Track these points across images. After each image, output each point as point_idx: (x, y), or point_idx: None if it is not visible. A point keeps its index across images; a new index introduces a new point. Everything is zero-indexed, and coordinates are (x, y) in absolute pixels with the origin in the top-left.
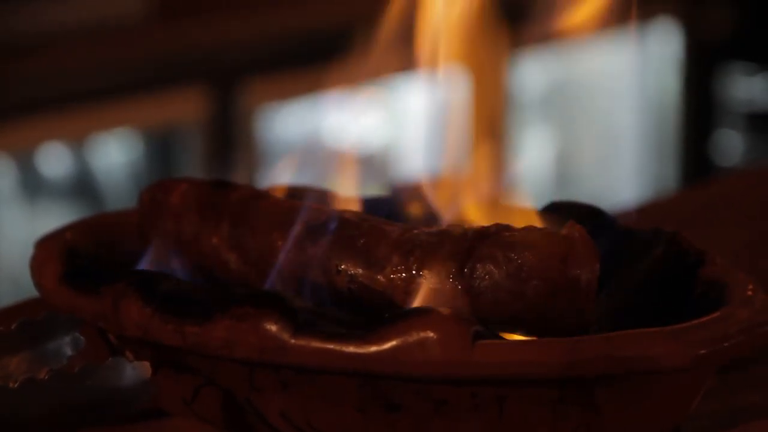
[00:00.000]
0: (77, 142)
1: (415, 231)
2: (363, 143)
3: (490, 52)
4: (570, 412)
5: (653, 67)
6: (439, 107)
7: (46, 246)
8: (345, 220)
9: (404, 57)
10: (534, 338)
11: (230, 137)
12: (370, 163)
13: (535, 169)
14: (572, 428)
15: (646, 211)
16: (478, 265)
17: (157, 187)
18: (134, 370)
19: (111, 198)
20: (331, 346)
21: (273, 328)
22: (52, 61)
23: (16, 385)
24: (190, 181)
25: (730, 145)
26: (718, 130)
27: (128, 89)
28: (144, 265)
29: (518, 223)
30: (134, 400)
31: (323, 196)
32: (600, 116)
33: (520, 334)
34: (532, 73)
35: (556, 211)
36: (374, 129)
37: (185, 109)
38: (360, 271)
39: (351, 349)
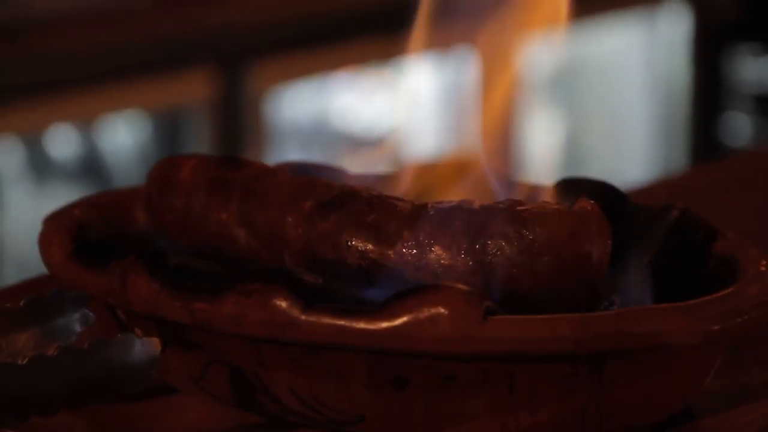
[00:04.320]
0: (85, 123)
1: (426, 207)
2: (373, 124)
3: (502, 34)
4: (580, 388)
5: (662, 49)
6: (450, 89)
7: (55, 222)
8: (355, 196)
9: (416, 39)
10: (545, 314)
11: (238, 119)
12: (380, 143)
13: (545, 150)
14: (582, 405)
15: (655, 189)
16: (489, 241)
17: (166, 163)
18: (143, 347)
19: (119, 180)
20: (342, 323)
21: (283, 304)
22: (61, 43)
23: (24, 362)
24: (200, 157)
25: (739, 127)
26: (727, 112)
27: (136, 71)
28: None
29: (529, 199)
30: (143, 376)
31: (333, 173)
32: (609, 97)
33: (531, 310)
34: (542, 54)
35: (568, 187)
36: (384, 110)
37: (193, 90)
38: (370, 246)
39: (361, 325)
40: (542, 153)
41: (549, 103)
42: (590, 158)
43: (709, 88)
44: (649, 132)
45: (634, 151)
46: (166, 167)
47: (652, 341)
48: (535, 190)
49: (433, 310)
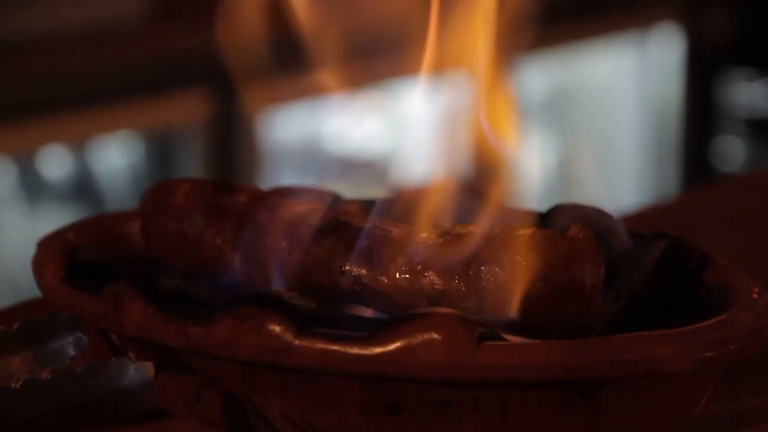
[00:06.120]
0: (78, 144)
1: (420, 232)
2: (365, 147)
3: (494, 57)
4: (573, 414)
5: (655, 73)
6: (441, 112)
7: (48, 246)
8: (349, 221)
9: (406, 61)
10: (538, 340)
11: (231, 140)
12: (373, 167)
13: (537, 175)
14: (575, 431)
15: (647, 215)
16: (483, 267)
17: (160, 187)
18: (136, 371)
19: (112, 201)
20: (335, 348)
21: (276, 328)
22: (53, 63)
23: (18, 385)
24: (194, 182)
25: (731, 151)
26: (719, 136)
27: (129, 91)
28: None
29: (523, 225)
30: (136, 400)
31: (327, 198)
32: (602, 121)
33: (524, 336)
34: (534, 78)
35: (561, 213)
36: (376, 133)
37: (186, 111)
38: (364, 272)
39: (355, 350)
40: (534, 178)
41: (542, 127)
42: (582, 182)
43: (701, 113)
44: (642, 157)
45: (626, 176)
46: (160, 191)
47: (643, 368)
48: (527, 215)
49: (427, 336)
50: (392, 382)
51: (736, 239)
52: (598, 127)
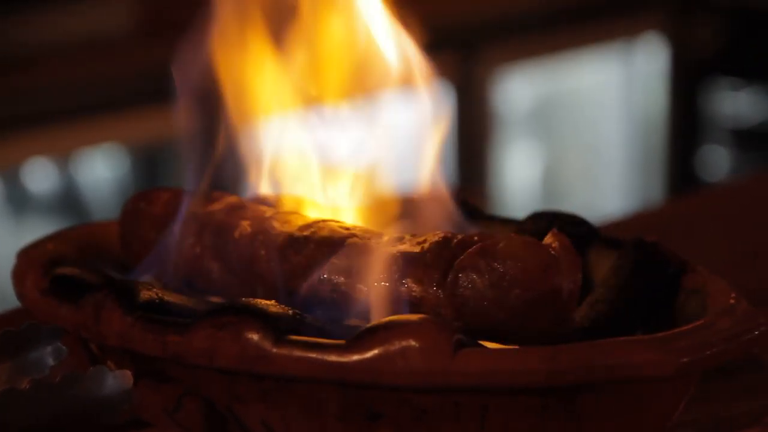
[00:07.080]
0: (63, 157)
1: (398, 240)
2: (349, 157)
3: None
4: (553, 420)
5: (640, 83)
6: (424, 123)
7: (28, 256)
8: (328, 229)
9: (389, 74)
10: (516, 346)
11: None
12: (356, 177)
13: (521, 184)
14: None
15: (630, 222)
16: (461, 275)
17: (140, 196)
18: (116, 380)
19: (97, 213)
20: (313, 355)
21: (254, 336)
22: (39, 77)
23: None
24: (173, 191)
25: (716, 161)
26: (704, 146)
27: (115, 104)
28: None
29: (501, 233)
30: (116, 409)
31: (306, 207)
32: (587, 131)
33: (502, 343)
34: (519, 88)
35: (540, 220)
36: (360, 143)
37: (172, 124)
38: (342, 279)
39: (333, 357)
40: (520, 187)
41: (527, 137)
42: (568, 192)
43: (686, 122)
44: (627, 166)
45: (611, 186)
46: (140, 201)
47: (623, 373)
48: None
49: (404, 343)
50: (371, 390)
51: (719, 246)
52: (583, 137)
